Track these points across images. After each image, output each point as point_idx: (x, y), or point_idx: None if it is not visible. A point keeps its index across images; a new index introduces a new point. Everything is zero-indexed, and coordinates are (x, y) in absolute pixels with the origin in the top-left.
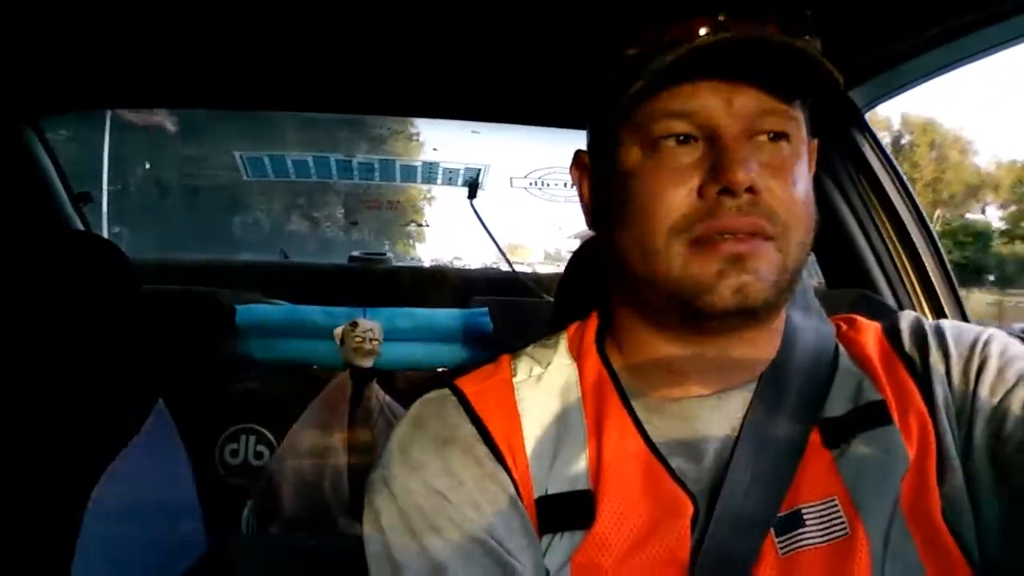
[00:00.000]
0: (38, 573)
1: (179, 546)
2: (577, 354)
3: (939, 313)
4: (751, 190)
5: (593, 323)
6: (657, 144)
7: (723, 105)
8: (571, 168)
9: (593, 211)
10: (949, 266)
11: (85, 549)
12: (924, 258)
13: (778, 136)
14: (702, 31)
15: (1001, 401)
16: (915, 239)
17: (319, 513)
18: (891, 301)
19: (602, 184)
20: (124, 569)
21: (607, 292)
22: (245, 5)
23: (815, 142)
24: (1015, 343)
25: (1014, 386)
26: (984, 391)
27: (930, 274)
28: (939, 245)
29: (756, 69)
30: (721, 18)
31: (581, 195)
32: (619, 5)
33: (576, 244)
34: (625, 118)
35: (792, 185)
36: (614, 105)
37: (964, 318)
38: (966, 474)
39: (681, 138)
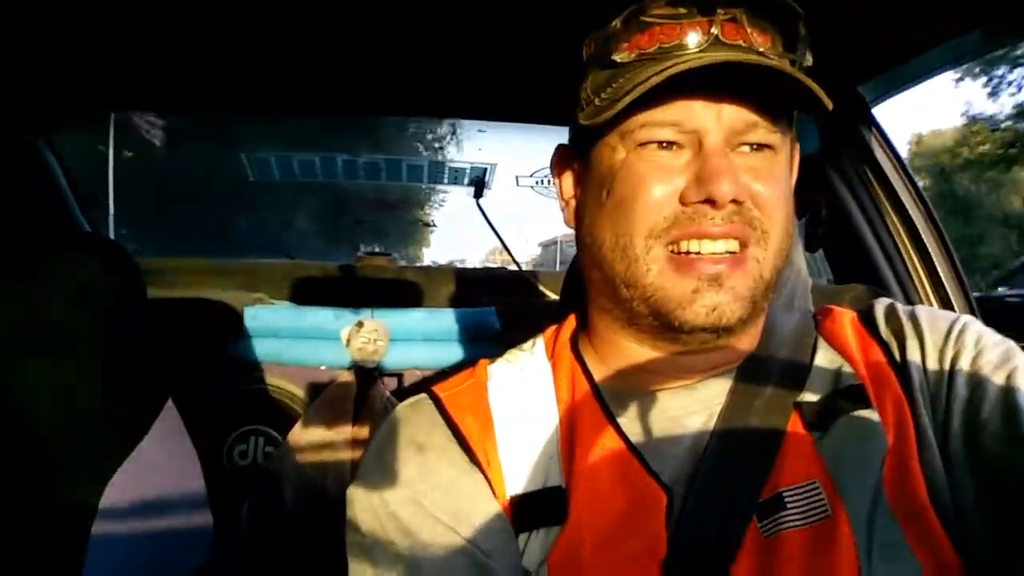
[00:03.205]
0: (50, 572)
1: (189, 545)
2: (552, 355)
3: (948, 308)
4: (735, 201)
5: (569, 323)
6: (642, 147)
7: (711, 116)
8: (552, 163)
9: (576, 209)
10: (958, 261)
11: (96, 548)
12: (933, 254)
13: (762, 147)
14: (692, 37)
15: (976, 389)
16: (923, 235)
17: (322, 513)
18: (900, 297)
19: (584, 181)
20: (135, 568)
21: (583, 291)
22: (251, 9)
23: (796, 145)
24: (988, 331)
25: (989, 374)
26: (960, 379)
27: (939, 269)
28: (948, 240)
29: (745, 86)
30: (714, 30)
31: (560, 191)
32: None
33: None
34: (613, 122)
35: (775, 192)
36: (600, 109)
37: (973, 313)
38: (943, 458)
39: (664, 144)
